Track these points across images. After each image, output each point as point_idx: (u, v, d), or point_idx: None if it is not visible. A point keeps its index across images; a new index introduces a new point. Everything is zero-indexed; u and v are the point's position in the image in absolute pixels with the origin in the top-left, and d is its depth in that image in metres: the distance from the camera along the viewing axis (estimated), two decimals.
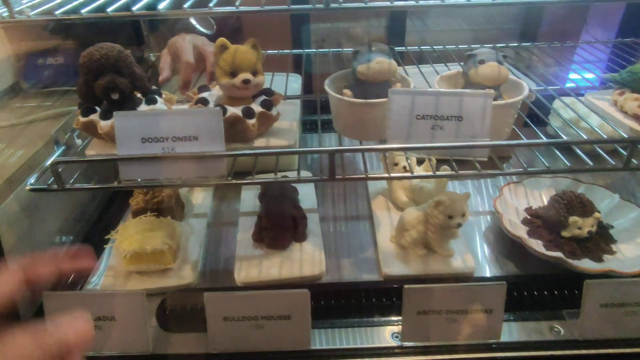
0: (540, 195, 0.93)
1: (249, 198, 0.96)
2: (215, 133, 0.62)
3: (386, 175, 0.67)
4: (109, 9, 0.58)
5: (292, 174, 0.98)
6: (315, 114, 0.80)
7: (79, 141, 0.79)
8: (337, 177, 0.65)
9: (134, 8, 0.58)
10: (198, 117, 0.62)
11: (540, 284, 0.75)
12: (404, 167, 0.89)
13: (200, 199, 0.96)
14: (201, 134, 0.62)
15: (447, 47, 1.16)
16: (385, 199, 0.94)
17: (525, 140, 0.66)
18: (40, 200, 0.83)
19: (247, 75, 0.66)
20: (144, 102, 0.71)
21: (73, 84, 1.10)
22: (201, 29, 1.06)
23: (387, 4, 0.60)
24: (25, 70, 1.15)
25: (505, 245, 0.84)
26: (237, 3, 0.59)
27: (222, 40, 0.66)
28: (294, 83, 1.06)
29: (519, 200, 0.92)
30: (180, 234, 0.83)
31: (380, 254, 0.81)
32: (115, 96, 0.66)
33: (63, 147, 0.76)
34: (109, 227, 0.93)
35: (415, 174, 0.72)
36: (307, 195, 0.94)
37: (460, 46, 1.16)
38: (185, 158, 0.62)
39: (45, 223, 0.85)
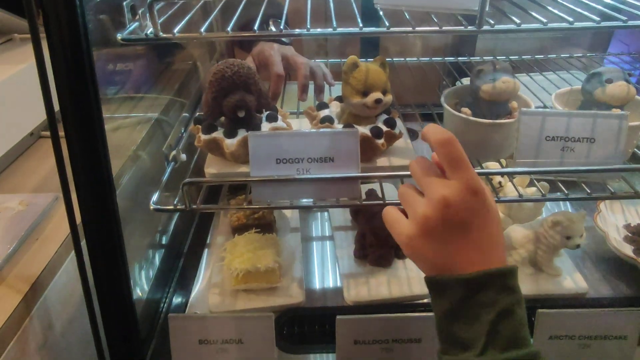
0: (636, 211, 0.92)
1: (338, 212, 0.94)
2: (351, 154, 0.61)
3: (518, 197, 0.66)
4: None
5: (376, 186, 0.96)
6: None
7: (183, 156, 0.78)
8: None
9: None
10: (335, 138, 0.60)
11: None
12: (499, 183, 0.88)
13: (288, 212, 0.95)
14: (337, 155, 0.61)
15: (523, 57, 1.14)
16: None
17: None
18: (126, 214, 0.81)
19: (379, 95, 0.64)
20: (264, 118, 0.69)
21: (145, 90, 1.09)
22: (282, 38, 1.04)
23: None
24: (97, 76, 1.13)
25: (610, 263, 0.83)
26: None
27: (353, 58, 0.65)
28: None
29: (616, 217, 0.90)
30: (282, 249, 0.81)
31: None
32: (242, 114, 0.64)
33: (172, 163, 0.74)
34: (197, 242, 0.91)
35: (524, 196, 0.72)
36: None
37: (537, 56, 1.14)
38: (322, 180, 0.61)
39: (136, 239, 0.84)
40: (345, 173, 0.61)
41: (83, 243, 0.59)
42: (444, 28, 0.57)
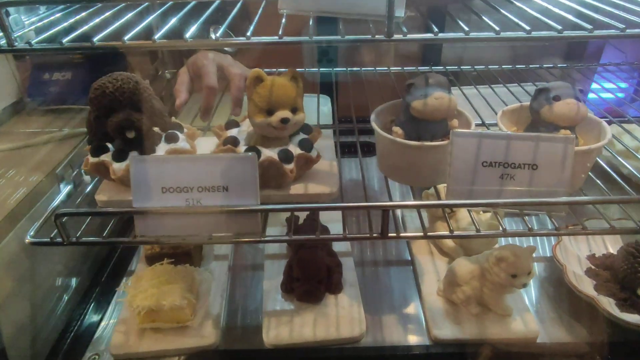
0: (603, 240, 0.83)
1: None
2: (248, 183, 0.53)
3: (447, 233, 0.57)
4: (126, 37, 0.49)
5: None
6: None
7: (87, 177, 0.70)
8: (390, 234, 0.56)
9: (156, 37, 0.49)
10: (229, 164, 0.52)
11: (619, 352, 0.65)
12: (452, 210, 0.79)
13: None
14: (232, 183, 0.53)
15: (489, 67, 1.06)
16: (427, 242, 0.84)
17: (617, 197, 0.56)
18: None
19: (286, 114, 0.56)
20: (163, 139, 0.61)
21: (83, 102, 1.01)
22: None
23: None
24: (30, 86, 1.05)
25: (569, 301, 0.73)
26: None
27: (257, 71, 0.56)
28: (324, 106, 0.96)
29: (579, 246, 0.81)
30: (199, 282, 0.73)
31: (427, 312, 0.71)
32: (130, 135, 0.56)
33: (70, 186, 0.67)
34: (119, 270, 0.84)
35: (479, 223, 0.63)
36: None
37: (503, 66, 1.06)
38: (214, 213, 0.53)
39: (48, 265, 0.76)
40: (241, 204, 0.53)
41: None
42: (346, 37, 0.48)
